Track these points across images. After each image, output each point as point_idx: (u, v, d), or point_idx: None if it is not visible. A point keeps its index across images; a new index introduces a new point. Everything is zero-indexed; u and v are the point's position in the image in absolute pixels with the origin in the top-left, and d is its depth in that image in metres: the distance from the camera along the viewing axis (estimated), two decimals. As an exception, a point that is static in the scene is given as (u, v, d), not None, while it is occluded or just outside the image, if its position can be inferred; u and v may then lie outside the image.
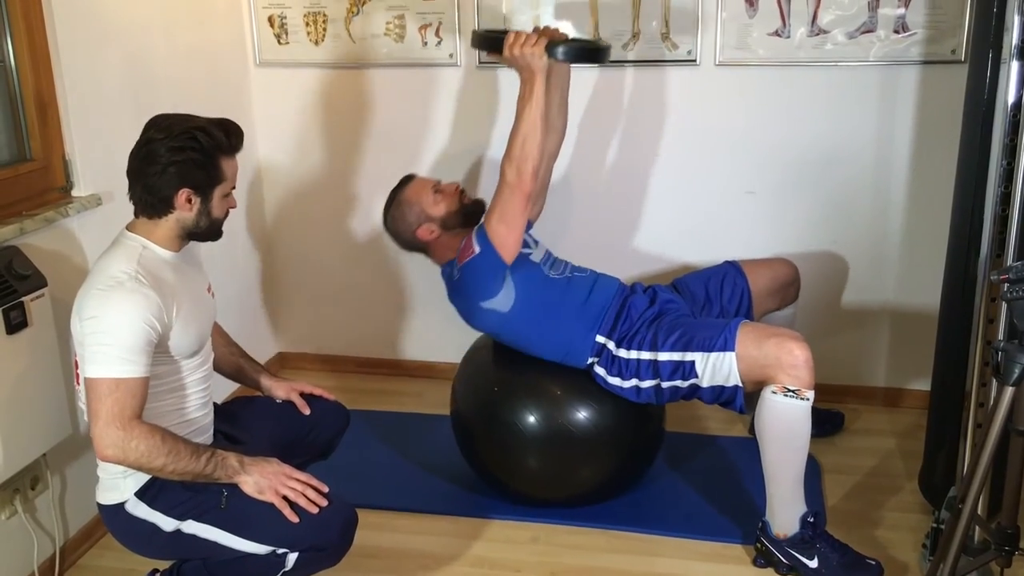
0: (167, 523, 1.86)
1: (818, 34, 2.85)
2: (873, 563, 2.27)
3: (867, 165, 2.95)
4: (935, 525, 2.22)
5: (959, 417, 2.34)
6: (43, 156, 2.33)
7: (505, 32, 2.32)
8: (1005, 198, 2.06)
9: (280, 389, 2.25)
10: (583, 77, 2.96)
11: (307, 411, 2.23)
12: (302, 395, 2.26)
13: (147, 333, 1.79)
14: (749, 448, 2.68)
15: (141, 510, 1.87)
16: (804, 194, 3.02)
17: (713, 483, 2.70)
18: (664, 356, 2.34)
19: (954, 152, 2.35)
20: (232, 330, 2.36)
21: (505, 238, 2.34)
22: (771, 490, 2.31)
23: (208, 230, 1.95)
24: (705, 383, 2.30)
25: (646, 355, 2.37)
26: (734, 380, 2.26)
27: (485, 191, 2.95)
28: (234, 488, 1.85)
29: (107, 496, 1.91)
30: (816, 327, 2.95)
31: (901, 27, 2.80)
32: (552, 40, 2.28)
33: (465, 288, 2.44)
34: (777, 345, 2.22)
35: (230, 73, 3.18)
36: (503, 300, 2.42)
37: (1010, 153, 2.04)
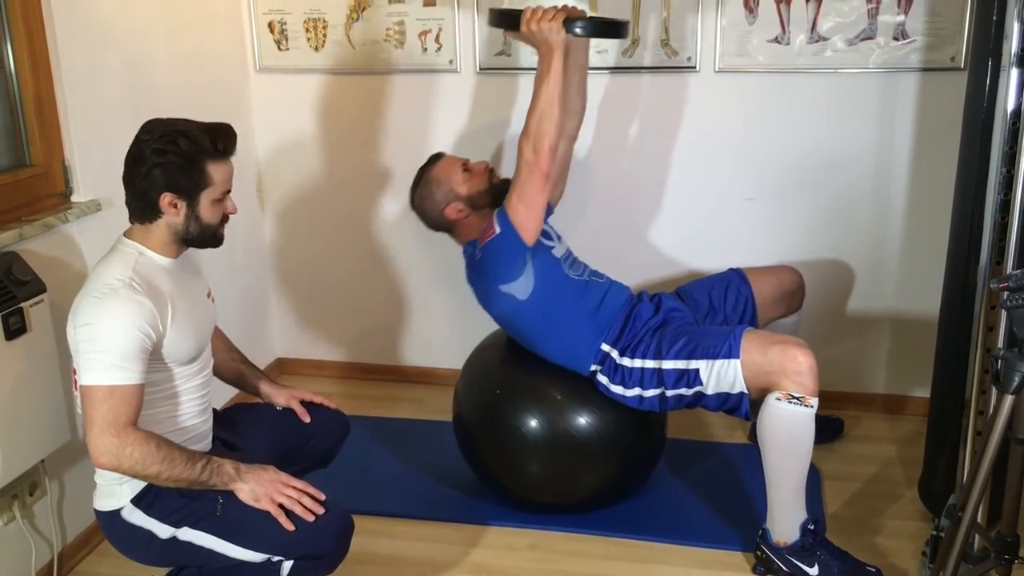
0: (163, 530, 1.86)
1: (818, 41, 2.85)
2: (873, 570, 2.27)
3: (867, 172, 2.95)
4: (935, 533, 2.22)
5: (959, 424, 2.33)
6: (43, 162, 2.34)
7: (521, 9, 2.30)
8: (1005, 205, 2.06)
9: (280, 396, 2.25)
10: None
11: (307, 419, 2.22)
12: (303, 403, 2.25)
13: (141, 340, 1.78)
14: (750, 455, 2.68)
15: (137, 517, 1.87)
16: (804, 201, 3.02)
17: (714, 490, 2.70)
18: (668, 364, 2.34)
19: (954, 159, 2.35)
20: (232, 335, 2.36)
21: (525, 219, 2.32)
22: (772, 497, 2.30)
23: (201, 236, 1.92)
24: (710, 390, 2.30)
25: (650, 363, 2.37)
26: (739, 387, 2.26)
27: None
28: (230, 495, 1.84)
29: (104, 503, 1.90)
30: (815, 333, 2.95)
31: (900, 34, 2.80)
32: (570, 16, 2.27)
33: (485, 268, 2.42)
34: (782, 352, 2.22)
35: (230, 79, 3.19)
36: (522, 287, 2.40)
37: (1009, 160, 2.04)
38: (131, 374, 1.77)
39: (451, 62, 3.10)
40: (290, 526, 1.81)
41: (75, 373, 1.87)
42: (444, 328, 3.41)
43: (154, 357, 1.84)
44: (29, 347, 2.11)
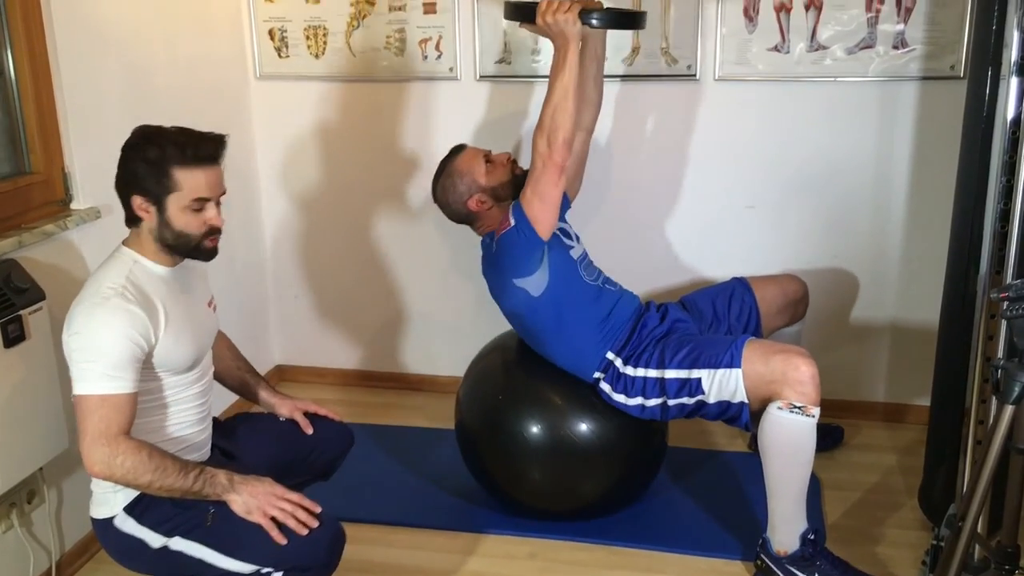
0: (155, 539, 1.85)
1: (817, 49, 2.85)
2: (873, 580, 2.27)
3: (866, 180, 2.96)
4: (935, 542, 2.21)
5: (959, 434, 2.33)
6: (42, 169, 2.34)
7: (536, 1, 2.28)
8: (1004, 215, 2.06)
9: (284, 407, 2.22)
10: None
11: (309, 431, 2.20)
12: (306, 414, 2.22)
13: (131, 349, 1.78)
14: (751, 463, 2.68)
15: (129, 525, 1.86)
16: (804, 209, 3.02)
17: (714, 498, 2.69)
18: (671, 374, 2.34)
19: (953, 168, 2.35)
20: (231, 342, 2.36)
21: (540, 212, 2.31)
22: (773, 506, 2.30)
23: (178, 244, 1.88)
24: (712, 399, 2.29)
25: (653, 373, 2.37)
26: (740, 396, 2.26)
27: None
28: (221, 506, 1.83)
29: (98, 510, 1.90)
30: (815, 342, 2.95)
31: (900, 43, 2.80)
32: (586, 7, 2.25)
33: (500, 261, 2.42)
34: (784, 361, 2.21)
35: (230, 86, 3.19)
36: (536, 283, 2.39)
37: (1009, 170, 2.04)
38: (123, 383, 1.77)
39: (451, 70, 3.11)
40: (282, 540, 1.79)
41: None
42: (444, 335, 3.40)
43: (146, 366, 1.84)
44: (28, 355, 2.11)
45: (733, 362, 2.26)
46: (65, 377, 2.18)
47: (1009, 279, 2.03)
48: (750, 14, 2.87)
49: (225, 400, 3.01)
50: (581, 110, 2.42)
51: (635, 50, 2.97)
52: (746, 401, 2.25)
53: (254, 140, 3.32)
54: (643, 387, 2.38)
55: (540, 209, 2.31)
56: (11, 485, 2.12)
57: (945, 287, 2.40)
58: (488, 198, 2.47)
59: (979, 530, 1.93)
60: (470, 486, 2.68)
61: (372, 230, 3.35)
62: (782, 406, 2.19)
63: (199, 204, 1.86)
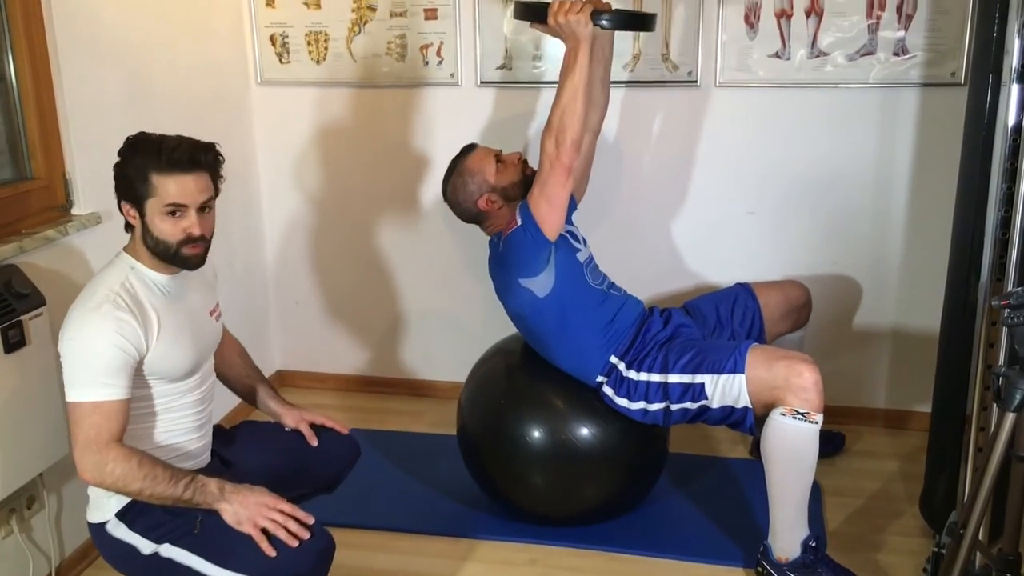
0: (145, 546, 1.84)
1: (818, 56, 2.85)
2: (874, 588, 2.26)
3: (867, 187, 2.96)
4: (936, 549, 2.20)
5: (960, 441, 2.33)
6: (43, 174, 2.34)
7: (547, 2, 2.28)
8: (1005, 222, 2.06)
9: (289, 417, 2.21)
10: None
11: (314, 442, 2.18)
12: (313, 425, 2.20)
13: (122, 357, 1.79)
14: (752, 470, 2.67)
15: (121, 531, 1.86)
16: (804, 215, 3.02)
17: (715, 504, 2.69)
18: (674, 378, 2.33)
19: (954, 175, 2.35)
20: (231, 347, 2.36)
21: (547, 213, 2.31)
22: (774, 513, 2.30)
23: (157, 249, 1.87)
24: (715, 404, 2.29)
25: (656, 377, 2.36)
26: (744, 402, 2.25)
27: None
28: (210, 513, 1.82)
29: (93, 515, 1.91)
30: (817, 348, 2.94)
31: (901, 49, 2.81)
32: (597, 8, 2.25)
33: (507, 261, 2.42)
34: (787, 367, 2.21)
35: (231, 92, 3.19)
36: (541, 284, 2.39)
37: (1010, 177, 2.04)
38: (113, 390, 1.77)
39: (452, 75, 3.11)
40: (271, 552, 1.77)
41: None
42: (444, 341, 3.40)
43: (137, 373, 1.84)
44: (28, 360, 2.11)
45: (737, 367, 2.26)
46: (65, 383, 2.19)
47: (1010, 287, 2.03)
48: (751, 20, 2.87)
49: (226, 406, 3.01)
50: (589, 112, 2.42)
51: (636, 56, 2.97)
52: (749, 406, 2.25)
53: (255, 145, 3.32)
54: (646, 391, 2.38)
55: (547, 210, 2.31)
56: (11, 491, 2.11)
57: (946, 294, 2.40)
58: (498, 198, 2.47)
59: (980, 538, 1.92)
60: (470, 492, 2.67)
61: (373, 236, 3.35)
62: (785, 412, 2.19)
63: (173, 209, 1.84)
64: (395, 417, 3.31)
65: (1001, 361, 2.08)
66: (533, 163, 2.44)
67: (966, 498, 1.98)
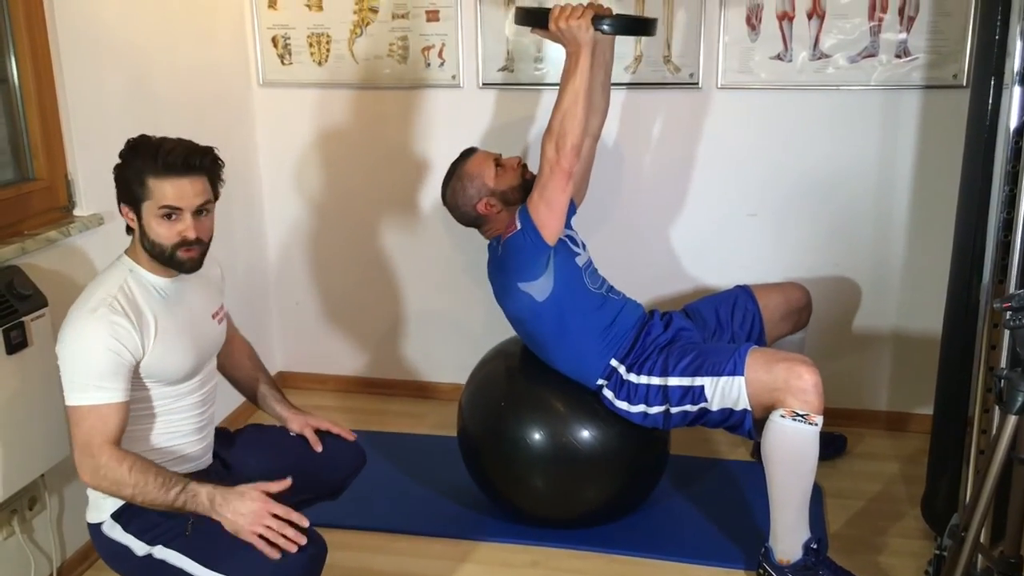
0: (139, 547, 1.85)
1: (820, 58, 2.85)
2: (875, 590, 2.26)
3: (869, 189, 2.95)
4: (937, 552, 2.20)
5: (961, 443, 2.33)
6: (46, 175, 2.34)
7: (549, 8, 2.28)
8: (1007, 224, 2.06)
9: (295, 422, 2.19)
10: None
11: (319, 448, 2.17)
12: (319, 432, 2.19)
13: (116, 360, 1.79)
14: (753, 472, 2.67)
15: (116, 532, 1.87)
16: (806, 217, 3.02)
17: (716, 507, 2.69)
18: (674, 381, 2.34)
19: (956, 177, 2.35)
20: (233, 348, 2.35)
21: (547, 218, 2.31)
22: (775, 515, 2.29)
23: (153, 252, 1.87)
24: (714, 407, 2.29)
25: (656, 380, 2.36)
26: (743, 404, 2.26)
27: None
28: (202, 516, 1.80)
29: (91, 515, 1.92)
30: (818, 350, 2.94)
31: (903, 52, 2.81)
32: (597, 13, 2.25)
33: (506, 265, 2.42)
34: (787, 369, 2.21)
35: (233, 93, 3.19)
36: (540, 288, 2.39)
37: (1012, 179, 2.04)
38: (109, 393, 1.78)
39: (454, 77, 3.11)
40: (275, 555, 1.75)
41: None
42: (445, 342, 3.40)
43: (135, 376, 1.84)
44: (30, 361, 2.11)
45: (736, 370, 2.26)
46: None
47: (1012, 289, 2.03)
48: (753, 22, 2.87)
49: (227, 407, 3.01)
50: (589, 117, 2.42)
51: (638, 58, 2.97)
52: (749, 409, 2.25)
53: (257, 147, 3.32)
54: (646, 394, 2.38)
55: (547, 214, 2.31)
56: (12, 492, 2.12)
57: (948, 296, 2.40)
58: (497, 201, 2.47)
59: (982, 540, 1.92)
60: (471, 494, 2.67)
61: (374, 237, 3.35)
62: (785, 414, 2.19)
63: (168, 212, 1.84)
64: (395, 419, 3.31)
65: (1003, 363, 2.08)
66: (533, 167, 2.44)
67: (968, 500, 1.98)
